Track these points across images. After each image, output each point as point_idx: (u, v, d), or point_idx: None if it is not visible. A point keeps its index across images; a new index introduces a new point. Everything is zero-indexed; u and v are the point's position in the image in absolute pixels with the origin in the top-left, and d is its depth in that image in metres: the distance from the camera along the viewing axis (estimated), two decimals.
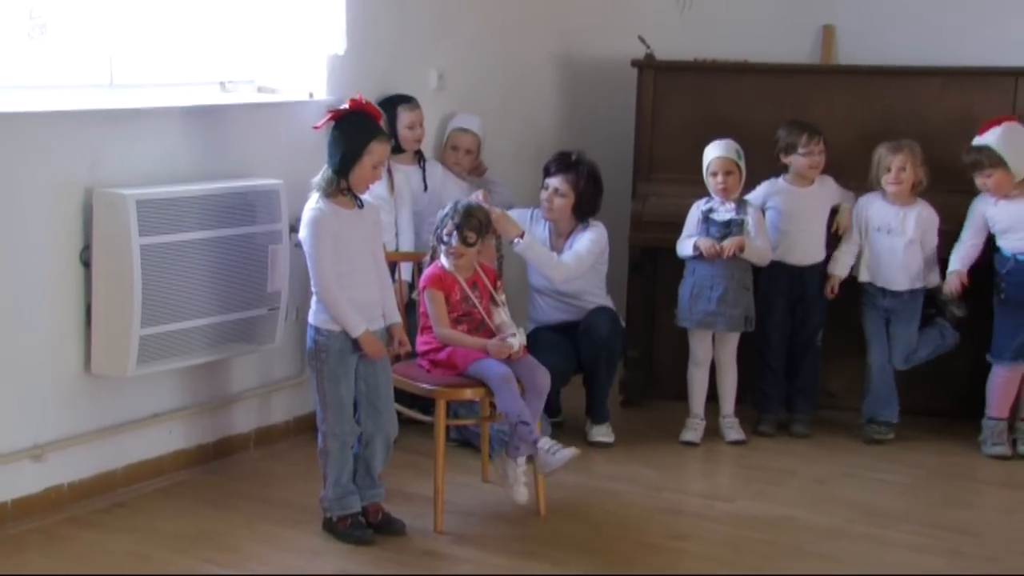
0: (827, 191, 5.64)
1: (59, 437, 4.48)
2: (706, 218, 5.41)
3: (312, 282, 4.27)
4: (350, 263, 4.25)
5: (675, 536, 4.50)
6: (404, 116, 5.51)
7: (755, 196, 5.59)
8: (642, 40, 6.06)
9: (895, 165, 5.44)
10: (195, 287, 4.64)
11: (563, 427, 5.51)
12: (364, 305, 4.29)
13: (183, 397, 4.92)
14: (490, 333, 4.61)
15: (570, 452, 4.45)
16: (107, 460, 4.65)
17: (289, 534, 4.39)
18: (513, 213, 5.39)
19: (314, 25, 5.29)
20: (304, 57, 5.33)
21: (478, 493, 4.79)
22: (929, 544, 4.48)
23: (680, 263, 5.50)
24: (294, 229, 4.97)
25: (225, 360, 4.98)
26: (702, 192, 5.47)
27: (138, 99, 4.79)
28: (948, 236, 5.54)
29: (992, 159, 5.28)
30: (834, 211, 5.67)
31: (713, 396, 5.58)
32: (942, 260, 5.52)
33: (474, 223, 4.56)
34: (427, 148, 5.81)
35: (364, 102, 4.30)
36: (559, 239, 5.51)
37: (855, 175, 5.64)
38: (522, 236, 5.22)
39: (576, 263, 5.38)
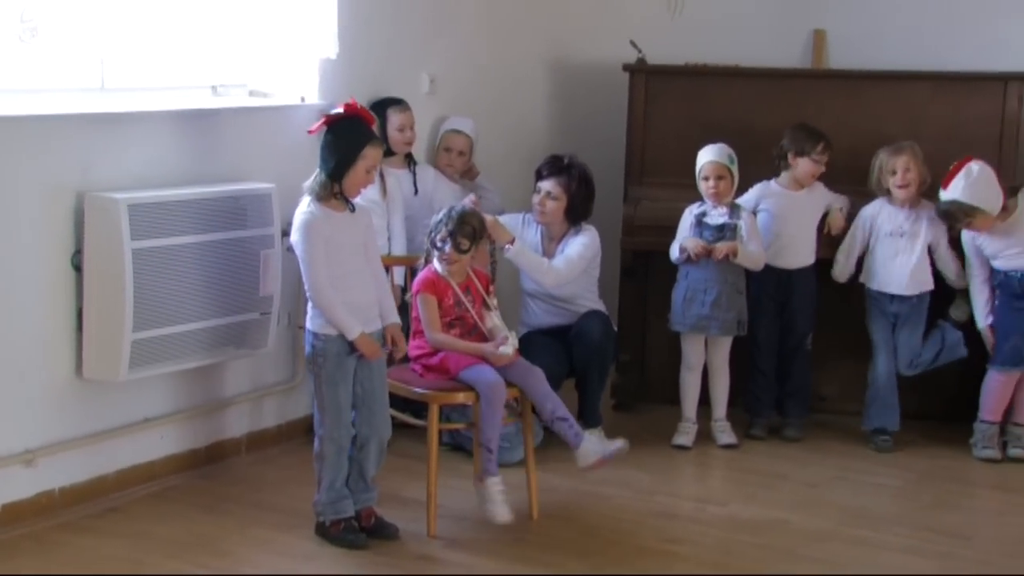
0: (818, 195, 5.66)
1: (51, 442, 4.47)
2: (699, 222, 5.42)
3: (306, 286, 4.26)
4: (343, 266, 4.25)
5: (668, 540, 4.50)
6: (394, 118, 5.51)
7: (746, 199, 5.59)
8: (634, 44, 6.07)
9: (899, 167, 5.45)
10: (187, 291, 4.63)
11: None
12: (359, 307, 4.28)
13: (175, 401, 4.91)
14: (482, 337, 4.62)
15: (498, 516, 4.41)
16: (99, 465, 4.64)
17: (282, 538, 4.38)
18: (505, 218, 5.39)
19: (306, 29, 5.29)
20: (296, 61, 5.33)
21: (471, 497, 4.76)
22: (921, 547, 4.49)
23: (672, 267, 5.51)
24: (286, 233, 4.97)
25: (217, 364, 4.97)
26: (694, 196, 5.48)
27: (130, 103, 4.79)
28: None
29: (966, 210, 5.28)
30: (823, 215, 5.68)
31: (705, 400, 5.58)
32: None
33: (468, 230, 4.56)
34: (419, 152, 5.81)
35: (358, 107, 4.30)
36: (551, 243, 5.51)
37: (846, 179, 5.66)
38: (512, 242, 5.23)
39: (567, 268, 5.39)
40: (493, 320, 4.64)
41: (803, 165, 5.56)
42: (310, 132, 4.33)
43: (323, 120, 4.27)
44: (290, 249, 4.94)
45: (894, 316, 5.55)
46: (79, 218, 4.45)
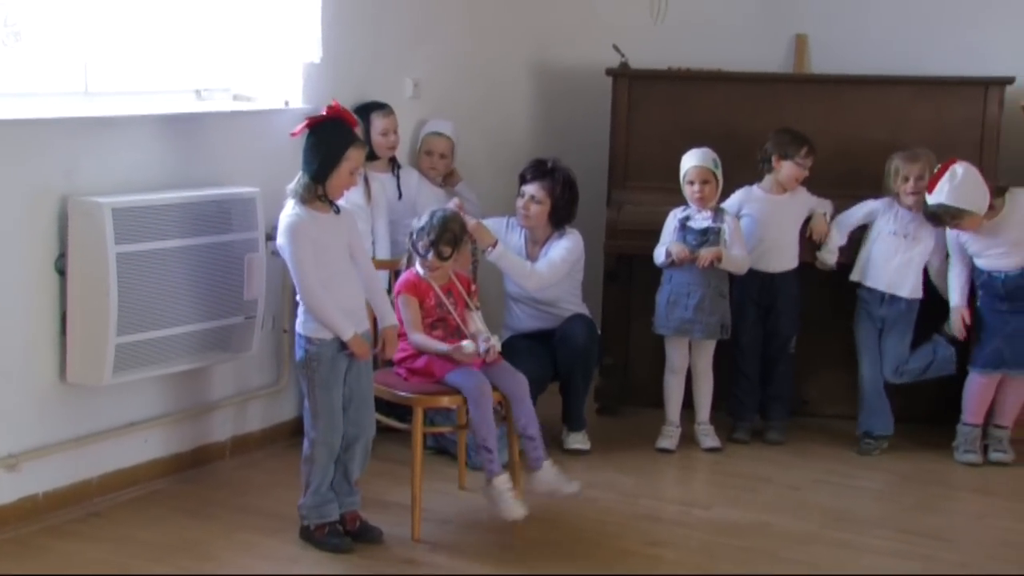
0: (801, 200, 5.67)
1: (34, 446, 4.46)
2: (683, 226, 5.43)
3: (296, 289, 4.26)
4: (329, 268, 4.25)
5: (652, 543, 4.51)
6: (378, 123, 5.51)
7: (729, 204, 5.61)
8: (617, 49, 6.09)
9: (913, 175, 5.46)
10: (171, 295, 4.63)
11: None
12: (347, 309, 4.28)
13: (159, 406, 4.90)
14: (464, 339, 4.62)
15: (512, 513, 4.43)
16: (83, 469, 4.63)
17: (266, 542, 4.38)
18: (489, 222, 5.40)
19: (290, 33, 5.28)
20: (280, 65, 5.32)
21: (455, 501, 4.80)
22: (902, 549, 4.51)
23: (655, 271, 5.52)
24: (270, 237, 4.98)
25: (201, 368, 4.97)
26: (677, 200, 5.50)
27: (113, 107, 4.78)
28: None
29: (952, 213, 5.31)
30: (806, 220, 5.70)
31: (688, 403, 5.60)
32: None
33: (449, 237, 4.56)
34: (403, 156, 5.82)
35: (341, 109, 4.30)
36: (535, 247, 5.53)
37: (827, 183, 5.68)
38: (495, 245, 5.24)
39: (550, 271, 5.40)
40: (476, 323, 4.65)
41: (787, 169, 5.57)
42: (293, 135, 4.33)
43: (306, 122, 4.27)
44: (275, 253, 4.94)
45: (881, 320, 5.56)
46: (63, 222, 4.44)
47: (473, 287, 4.76)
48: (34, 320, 4.43)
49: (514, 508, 4.43)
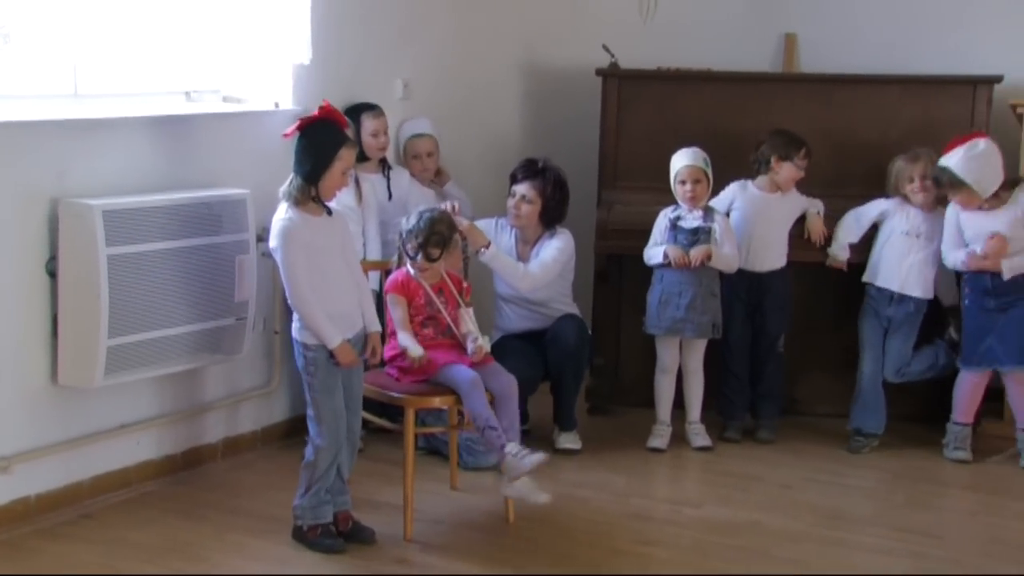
0: (793, 200, 5.67)
1: (25, 448, 4.46)
2: (674, 226, 5.44)
3: (287, 294, 4.26)
4: (324, 271, 4.25)
5: (643, 542, 4.52)
6: (368, 124, 5.51)
7: (721, 197, 5.62)
8: (606, 49, 6.10)
9: (917, 174, 5.47)
10: (162, 297, 4.63)
11: (530, 435, 5.51)
12: (341, 313, 4.29)
13: (150, 408, 4.90)
14: (456, 338, 4.63)
15: (538, 457, 4.46)
16: (74, 471, 4.63)
17: (258, 544, 4.38)
18: (479, 223, 5.40)
19: (279, 35, 5.29)
20: (269, 67, 5.33)
21: (447, 501, 4.80)
22: (893, 547, 4.52)
23: (646, 270, 5.53)
24: (261, 239, 4.98)
25: (193, 370, 4.97)
26: (667, 200, 5.51)
27: (103, 109, 4.78)
28: None
29: (952, 180, 5.31)
30: (800, 220, 5.71)
31: (679, 403, 5.60)
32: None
33: (437, 239, 4.57)
34: (392, 157, 5.82)
35: (332, 109, 4.30)
36: (525, 247, 5.53)
37: (817, 182, 5.68)
38: (488, 246, 5.25)
39: (542, 272, 5.41)
40: (467, 323, 4.65)
41: (787, 170, 5.57)
42: (285, 136, 4.32)
43: (297, 124, 4.28)
44: (265, 254, 4.95)
45: (888, 320, 5.56)
46: (54, 224, 4.45)
47: (465, 285, 4.77)
48: (25, 322, 4.44)
49: (536, 457, 4.43)
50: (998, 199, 5.34)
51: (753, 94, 6.00)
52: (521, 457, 4.43)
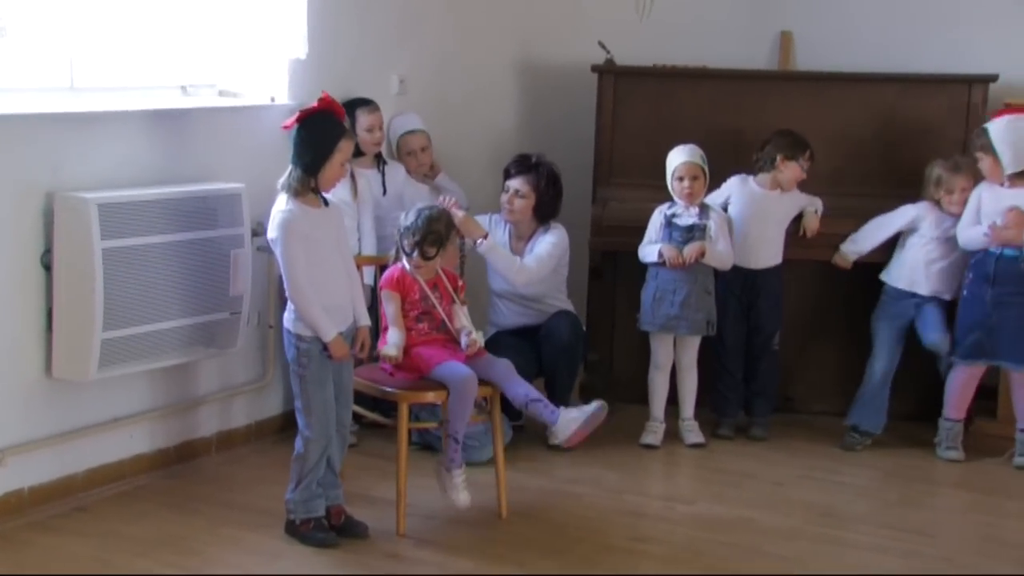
0: (792, 198, 5.67)
1: (19, 441, 4.46)
2: (669, 223, 5.44)
3: (285, 285, 4.26)
4: (321, 264, 4.25)
5: (636, 538, 4.53)
6: (363, 119, 5.51)
7: (719, 193, 5.63)
8: (602, 46, 6.10)
9: (958, 186, 5.44)
10: (157, 291, 4.63)
11: (524, 430, 5.52)
12: (335, 306, 4.30)
13: (144, 401, 4.91)
14: (450, 335, 4.64)
15: (462, 500, 4.53)
16: (68, 464, 4.63)
17: (251, 537, 4.39)
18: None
19: (275, 29, 5.29)
20: (265, 61, 5.33)
21: (440, 496, 4.78)
22: (886, 545, 4.53)
23: (640, 267, 5.54)
24: (256, 233, 4.99)
25: (187, 364, 4.97)
26: (662, 197, 5.51)
27: (99, 103, 4.78)
28: None
29: (984, 144, 5.32)
30: (797, 218, 5.71)
31: (673, 399, 5.61)
32: None
33: (434, 237, 4.57)
34: (387, 151, 5.82)
35: (331, 100, 4.30)
36: (519, 242, 5.54)
37: (812, 180, 5.67)
38: (485, 237, 5.26)
39: (538, 266, 5.42)
40: (461, 319, 4.66)
41: (791, 170, 5.57)
42: (285, 127, 4.31)
43: (298, 115, 4.27)
44: (260, 248, 4.96)
45: (915, 307, 5.53)
46: (49, 218, 4.45)
47: (460, 283, 4.78)
48: (20, 315, 4.44)
49: (463, 497, 4.52)
50: (1022, 178, 5.31)
51: (749, 92, 6.01)
52: (457, 489, 4.53)
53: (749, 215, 5.61)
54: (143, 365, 4.69)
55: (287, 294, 4.27)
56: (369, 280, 5.16)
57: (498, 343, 5.32)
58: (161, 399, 4.97)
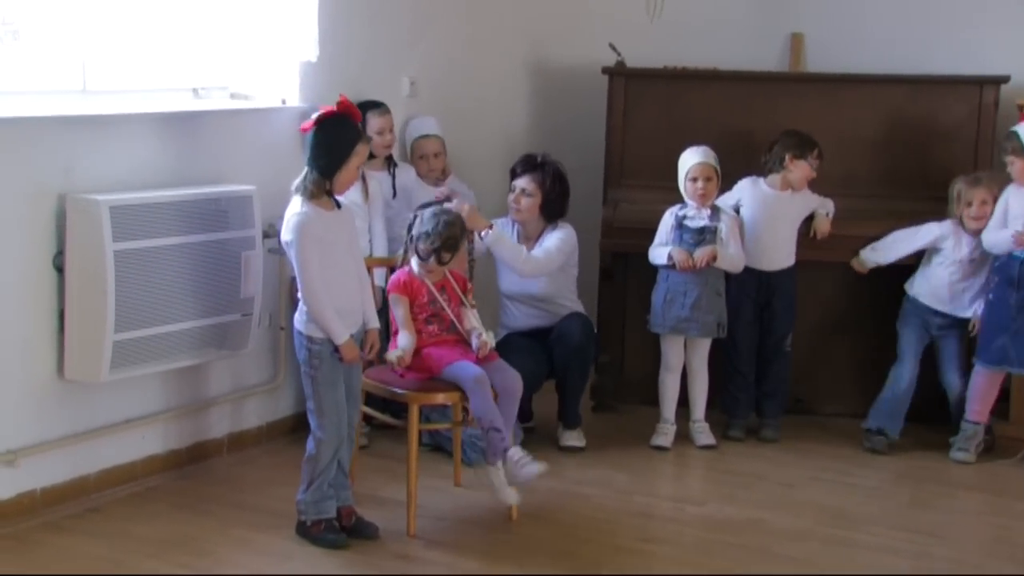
0: (804, 199, 5.67)
1: (32, 442, 4.48)
2: (680, 225, 5.44)
3: (299, 288, 4.27)
4: (334, 267, 4.26)
5: (646, 539, 4.53)
6: (374, 122, 5.52)
7: (730, 195, 5.63)
8: (613, 47, 6.11)
9: (976, 199, 5.43)
10: (168, 292, 4.65)
11: (535, 432, 5.53)
12: (347, 309, 4.30)
13: (156, 402, 4.92)
14: (460, 335, 4.65)
15: (538, 468, 4.49)
16: (80, 465, 4.65)
17: (262, 538, 4.40)
18: None
19: (287, 32, 5.31)
20: (277, 64, 5.35)
21: (450, 497, 4.81)
22: (897, 547, 4.53)
23: (651, 268, 5.54)
24: (267, 235, 5.00)
25: (199, 365, 4.99)
26: (672, 198, 5.51)
27: (111, 105, 4.80)
28: None
29: (1017, 147, 5.32)
30: (809, 219, 5.71)
31: (683, 401, 5.61)
32: None
33: (451, 243, 4.59)
34: (397, 154, 5.82)
35: (349, 104, 4.31)
36: (528, 242, 5.54)
37: (822, 181, 5.67)
38: (491, 227, 5.28)
39: (545, 258, 5.41)
40: (471, 320, 4.67)
41: (801, 168, 5.57)
42: (303, 129, 4.31)
43: (316, 117, 4.27)
44: (272, 250, 4.97)
45: (938, 327, 5.54)
46: (61, 220, 4.47)
47: (469, 285, 4.79)
48: (32, 317, 4.46)
49: (537, 467, 4.48)
50: None
51: (759, 93, 6.01)
52: (522, 465, 4.46)
53: (761, 217, 5.61)
54: (155, 366, 4.70)
55: (300, 296, 4.28)
56: (380, 281, 5.18)
57: (509, 345, 5.33)
58: (173, 400, 4.99)
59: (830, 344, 5.97)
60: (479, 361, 4.57)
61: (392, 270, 4.82)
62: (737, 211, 5.61)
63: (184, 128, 4.93)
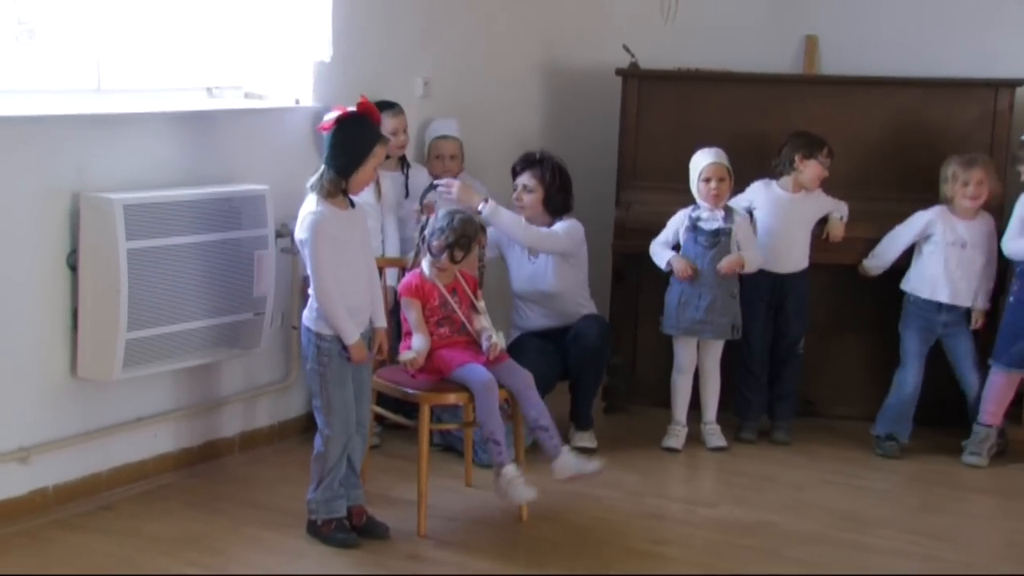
0: (817, 200, 5.67)
1: (45, 440, 4.50)
2: (694, 227, 5.44)
3: (311, 286, 4.28)
4: (347, 265, 4.27)
5: (656, 541, 4.53)
6: (388, 123, 5.50)
7: (742, 197, 5.63)
8: (626, 49, 6.11)
9: (973, 180, 5.43)
10: (181, 291, 4.66)
11: None
12: (357, 308, 4.31)
13: (168, 401, 4.94)
14: (471, 337, 4.66)
15: (527, 494, 4.48)
16: (92, 463, 4.67)
17: (273, 537, 4.41)
18: (491, 229, 5.41)
19: (301, 32, 5.32)
20: (291, 63, 5.36)
21: (461, 498, 4.82)
22: (907, 550, 4.52)
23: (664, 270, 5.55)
24: (280, 234, 5.02)
25: (211, 364, 5.00)
26: (685, 200, 5.51)
27: (125, 104, 4.82)
28: None
29: None
30: (822, 221, 5.71)
31: (695, 403, 5.61)
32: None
33: (465, 242, 4.59)
34: (411, 154, 5.83)
35: (370, 104, 4.31)
36: None
37: (837, 184, 5.67)
38: (486, 202, 5.30)
39: (549, 234, 5.44)
40: (481, 321, 4.68)
41: (812, 168, 5.56)
42: (322, 129, 4.32)
43: (336, 117, 4.28)
44: (284, 250, 4.99)
45: (944, 325, 5.52)
46: (75, 218, 4.48)
47: (479, 290, 4.79)
48: (46, 315, 4.47)
49: (525, 492, 4.47)
50: None
51: (773, 96, 6.00)
52: (513, 486, 4.47)
53: (775, 219, 5.60)
54: (167, 365, 4.72)
55: (312, 294, 4.29)
56: (393, 282, 5.18)
57: (522, 346, 5.34)
58: (185, 399, 5.00)
59: (841, 346, 5.96)
60: (490, 363, 4.57)
61: (404, 271, 4.83)
62: (750, 214, 5.60)
63: (198, 127, 4.95)
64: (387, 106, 5.54)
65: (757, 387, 5.70)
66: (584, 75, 6.60)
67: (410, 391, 4.54)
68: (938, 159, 5.63)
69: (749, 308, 5.58)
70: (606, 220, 5.94)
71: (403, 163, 5.68)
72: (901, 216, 5.63)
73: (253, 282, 4.94)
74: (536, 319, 5.60)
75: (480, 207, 5.28)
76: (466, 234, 4.60)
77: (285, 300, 5.27)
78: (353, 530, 4.39)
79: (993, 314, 5.59)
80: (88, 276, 4.48)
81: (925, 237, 5.54)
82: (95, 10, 4.74)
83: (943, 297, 5.48)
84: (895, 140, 5.82)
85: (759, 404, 5.73)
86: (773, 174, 5.67)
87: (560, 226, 5.49)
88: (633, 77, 6.07)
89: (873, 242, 5.66)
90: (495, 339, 4.59)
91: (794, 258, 5.64)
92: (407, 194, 5.62)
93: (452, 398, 4.56)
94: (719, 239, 5.41)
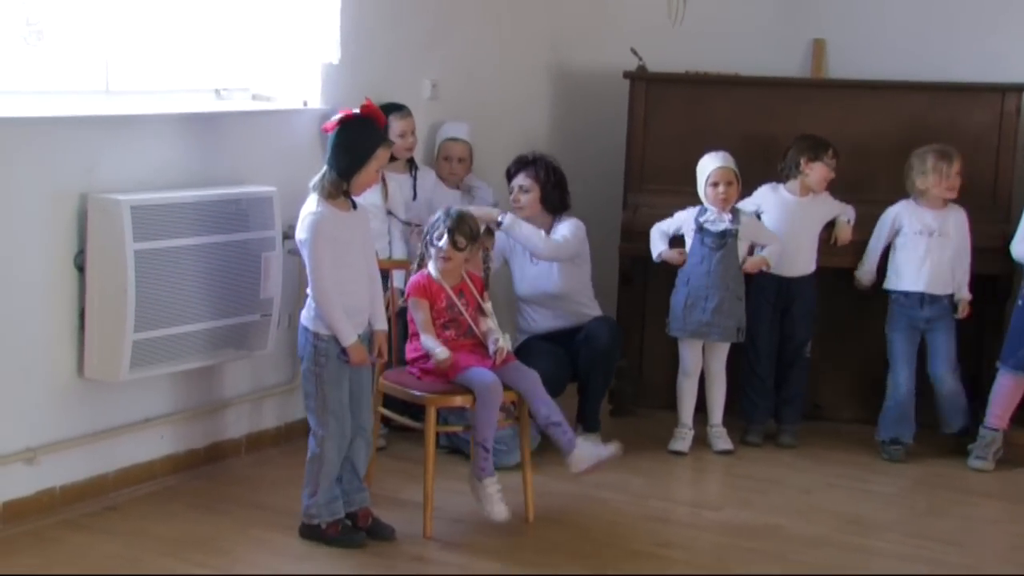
0: (823, 203, 5.67)
1: (51, 440, 4.51)
2: (700, 228, 5.44)
3: (310, 286, 4.29)
4: (347, 267, 4.28)
5: (662, 544, 4.53)
6: (396, 125, 5.52)
7: (749, 201, 5.63)
8: (634, 52, 6.11)
9: (953, 171, 5.44)
10: (188, 293, 4.67)
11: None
12: (356, 309, 4.32)
13: (175, 402, 4.95)
14: (477, 340, 4.66)
15: (501, 514, 4.47)
16: (99, 464, 4.68)
17: (279, 538, 4.41)
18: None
19: (309, 34, 5.33)
20: (299, 65, 5.36)
21: (467, 500, 4.79)
22: (913, 553, 4.52)
23: (670, 272, 5.54)
24: (287, 236, 5.02)
25: (217, 365, 5.01)
26: (693, 203, 5.51)
27: (134, 105, 4.83)
28: None
29: None
30: (829, 225, 5.71)
31: (701, 406, 5.61)
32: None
33: (465, 229, 4.59)
34: (419, 156, 5.84)
35: (374, 107, 4.32)
36: None
37: (843, 187, 5.68)
38: (505, 215, 5.35)
39: (563, 241, 5.48)
40: (488, 323, 4.68)
41: (818, 170, 5.56)
42: (326, 130, 4.33)
43: (340, 118, 4.29)
44: (291, 252, 4.99)
45: (927, 321, 5.52)
46: (82, 219, 4.49)
47: (486, 292, 4.79)
48: (53, 316, 4.48)
49: (498, 510, 4.47)
50: None
51: (781, 99, 6.00)
52: (491, 502, 4.47)
53: (782, 223, 5.60)
54: (174, 366, 4.73)
55: (310, 295, 4.30)
56: (399, 284, 5.18)
57: (530, 349, 5.34)
58: (191, 400, 5.01)
59: (849, 350, 5.95)
60: (496, 365, 4.57)
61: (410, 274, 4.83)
62: (758, 218, 5.60)
63: (206, 129, 4.95)
64: (395, 108, 5.55)
65: (763, 390, 5.70)
66: (592, 78, 6.61)
67: (416, 393, 4.54)
68: None
69: (755, 311, 5.58)
70: (613, 223, 5.95)
71: (411, 165, 5.69)
72: None
73: (260, 284, 4.95)
74: (543, 321, 5.61)
75: (500, 218, 5.30)
76: (465, 221, 4.60)
77: (292, 302, 5.27)
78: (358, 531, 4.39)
79: (1000, 318, 5.59)
80: (95, 277, 4.49)
81: (896, 231, 5.55)
82: (104, 11, 4.75)
83: (921, 286, 5.48)
84: (903, 144, 5.80)
85: (766, 407, 5.73)
86: (780, 178, 5.67)
87: (566, 229, 5.49)
88: (641, 80, 6.08)
89: None
90: (501, 343, 4.59)
91: (801, 262, 5.64)
92: (415, 196, 5.62)
93: (458, 400, 4.56)
94: (726, 240, 5.42)
